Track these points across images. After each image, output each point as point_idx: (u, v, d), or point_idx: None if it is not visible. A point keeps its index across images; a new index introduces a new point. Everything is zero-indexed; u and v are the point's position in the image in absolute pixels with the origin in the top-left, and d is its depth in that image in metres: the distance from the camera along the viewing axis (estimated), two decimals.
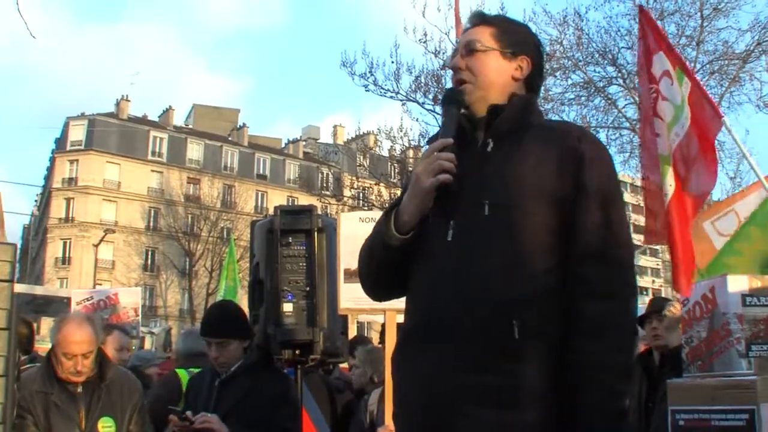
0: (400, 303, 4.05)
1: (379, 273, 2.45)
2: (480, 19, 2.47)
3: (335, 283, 4.41)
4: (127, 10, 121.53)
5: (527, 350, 2.06)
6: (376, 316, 4.37)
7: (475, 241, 2.17)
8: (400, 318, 4.23)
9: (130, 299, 10.25)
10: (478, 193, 2.20)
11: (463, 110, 2.38)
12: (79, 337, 4.04)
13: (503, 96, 2.34)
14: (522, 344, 2.06)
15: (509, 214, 2.15)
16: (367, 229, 4.36)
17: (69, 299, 10.01)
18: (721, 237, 5.62)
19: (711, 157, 4.97)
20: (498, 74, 2.36)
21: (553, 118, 18.11)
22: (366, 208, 23.74)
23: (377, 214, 4.51)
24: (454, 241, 2.20)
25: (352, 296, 4.25)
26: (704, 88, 5.17)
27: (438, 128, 2.53)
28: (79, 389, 4.08)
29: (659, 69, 5.14)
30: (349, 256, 4.29)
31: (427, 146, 2.42)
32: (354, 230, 4.32)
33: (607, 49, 18.35)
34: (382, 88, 19.42)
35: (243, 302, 5.01)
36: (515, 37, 2.41)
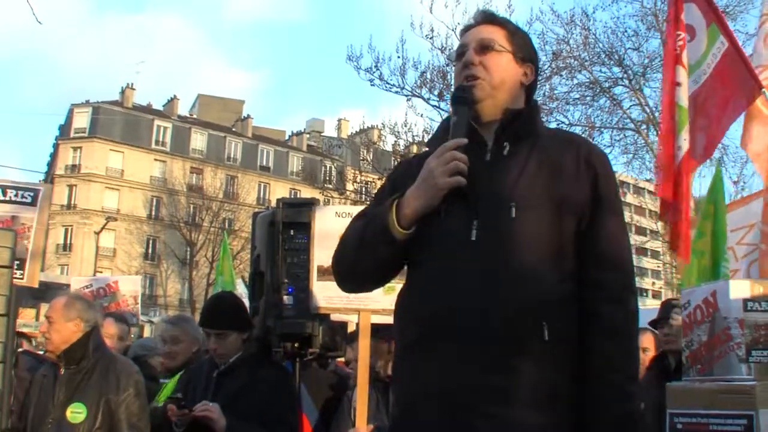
0: (375, 303, 4.02)
1: (377, 268, 2.39)
2: (490, 18, 2.46)
3: None
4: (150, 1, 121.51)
5: (554, 351, 2.12)
6: (349, 316, 4.24)
7: (502, 243, 2.17)
8: (375, 319, 4.18)
9: (129, 287, 10.17)
10: (503, 196, 2.20)
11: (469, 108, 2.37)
12: (53, 303, 4.16)
13: (511, 99, 2.36)
14: (551, 345, 2.11)
15: (535, 218, 2.19)
16: (343, 224, 4.26)
17: (68, 286, 9.99)
18: None
19: (718, 126, 4.75)
20: (510, 76, 2.37)
21: (558, 118, 18.18)
22: (369, 202, 23.71)
23: (354, 209, 4.40)
24: (479, 242, 2.18)
25: (325, 295, 4.12)
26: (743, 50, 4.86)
27: (438, 125, 2.52)
28: (62, 371, 4.08)
29: (686, 21, 4.81)
30: (323, 253, 4.11)
31: (429, 144, 2.42)
32: (329, 226, 4.17)
33: (614, 50, 18.33)
34: (388, 83, 19.41)
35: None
36: (524, 44, 2.44)
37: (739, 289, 3.33)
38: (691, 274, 5.29)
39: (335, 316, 4.23)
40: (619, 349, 2.16)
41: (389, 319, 4.25)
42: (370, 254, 2.33)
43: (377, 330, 4.83)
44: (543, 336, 2.09)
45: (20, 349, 5.75)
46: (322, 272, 4.14)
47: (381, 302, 4.05)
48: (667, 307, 5.30)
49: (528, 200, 2.19)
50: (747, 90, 4.62)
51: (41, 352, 5.49)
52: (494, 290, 2.12)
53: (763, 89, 4.63)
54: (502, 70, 2.35)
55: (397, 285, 3.88)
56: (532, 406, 2.07)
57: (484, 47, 2.36)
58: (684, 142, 4.53)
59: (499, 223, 2.18)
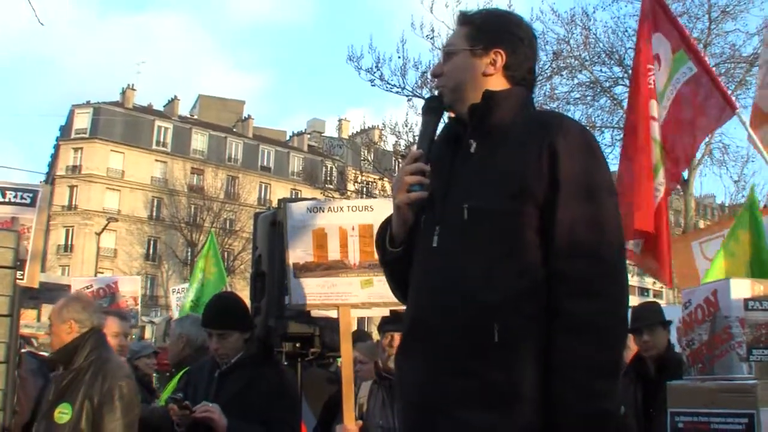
0: (353, 298, 4.00)
1: (398, 283, 2.47)
2: (459, 20, 2.47)
3: None
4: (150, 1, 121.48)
5: (509, 352, 2.05)
6: (328, 312, 4.19)
7: (456, 247, 2.18)
8: (356, 313, 4.16)
9: (129, 288, 10.15)
10: (459, 198, 2.21)
11: (450, 114, 2.41)
12: (54, 305, 4.20)
13: (476, 94, 2.32)
14: (503, 347, 2.04)
15: (488, 217, 2.14)
16: (317, 219, 4.23)
17: (69, 287, 9.98)
18: (705, 260, 5.56)
19: (681, 149, 4.79)
20: (467, 73, 2.35)
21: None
22: None
23: (326, 204, 4.36)
24: (438, 247, 2.22)
25: (302, 292, 4.07)
26: (716, 75, 4.90)
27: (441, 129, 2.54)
28: (60, 370, 4.11)
29: (654, 51, 4.93)
30: (297, 250, 4.09)
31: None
32: (302, 221, 4.13)
33: (614, 50, 18.35)
34: (389, 84, 19.42)
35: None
36: (487, 32, 2.37)
37: (740, 288, 3.34)
38: (716, 272, 5.25)
39: (315, 312, 4.19)
40: (585, 345, 2.00)
41: (369, 313, 4.26)
42: (388, 273, 2.51)
43: (382, 324, 4.84)
44: (493, 338, 2.03)
45: (24, 350, 5.76)
46: (298, 269, 4.10)
47: (359, 296, 3.99)
48: (642, 316, 5.24)
49: (481, 199, 2.16)
50: (717, 112, 4.68)
51: (45, 354, 5.51)
52: (446, 296, 2.14)
53: (737, 109, 4.71)
54: (459, 72, 2.36)
55: (374, 278, 3.88)
56: (489, 408, 2.02)
57: (447, 54, 2.41)
58: (663, 180, 4.60)
59: (454, 227, 2.19)
